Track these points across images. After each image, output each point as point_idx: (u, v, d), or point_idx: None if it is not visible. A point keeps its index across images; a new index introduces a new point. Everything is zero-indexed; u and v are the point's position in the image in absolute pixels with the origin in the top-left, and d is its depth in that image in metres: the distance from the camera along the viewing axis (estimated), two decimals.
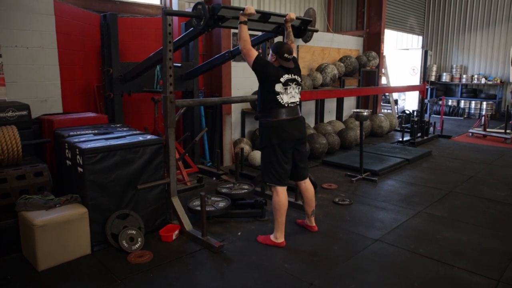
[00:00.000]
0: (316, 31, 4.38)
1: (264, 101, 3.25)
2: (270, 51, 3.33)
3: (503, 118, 9.69)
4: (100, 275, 2.84)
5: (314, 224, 3.60)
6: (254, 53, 3.23)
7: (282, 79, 3.21)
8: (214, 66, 4.75)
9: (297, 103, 3.36)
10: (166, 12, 3.35)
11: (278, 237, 3.30)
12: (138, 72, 4.49)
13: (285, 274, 2.86)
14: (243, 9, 3.26)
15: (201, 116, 5.71)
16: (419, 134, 7.93)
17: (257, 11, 3.40)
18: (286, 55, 3.24)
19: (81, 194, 3.21)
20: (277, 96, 3.20)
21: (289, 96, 3.25)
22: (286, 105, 3.23)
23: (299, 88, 3.37)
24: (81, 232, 3.07)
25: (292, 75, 3.29)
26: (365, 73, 8.71)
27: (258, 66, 3.22)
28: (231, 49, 4.59)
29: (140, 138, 3.50)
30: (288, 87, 3.25)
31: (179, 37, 4.01)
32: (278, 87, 3.20)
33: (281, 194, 3.28)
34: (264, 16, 3.58)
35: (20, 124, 3.63)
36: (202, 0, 3.45)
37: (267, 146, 3.28)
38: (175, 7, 5.86)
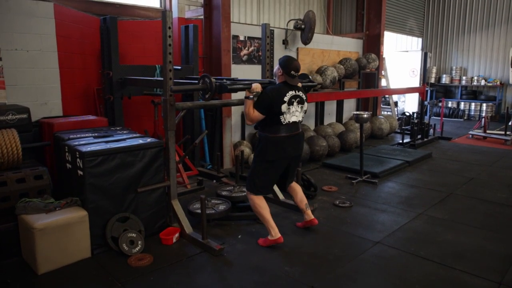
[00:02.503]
0: None
1: (266, 117, 3.24)
2: (278, 65, 3.32)
3: (503, 119, 9.70)
4: (100, 278, 2.83)
5: (313, 217, 3.60)
6: (257, 113, 3.20)
7: (286, 98, 3.20)
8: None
9: (298, 121, 3.35)
10: (173, 90, 3.38)
11: (274, 234, 3.30)
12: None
13: (285, 276, 2.85)
14: (250, 86, 3.28)
15: (201, 119, 5.71)
16: (419, 136, 7.93)
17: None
18: (293, 72, 3.25)
19: (81, 197, 3.21)
20: (280, 116, 3.20)
21: (291, 115, 3.25)
22: (287, 123, 3.24)
23: (301, 106, 3.33)
24: (81, 235, 3.07)
25: (296, 91, 3.29)
26: (365, 75, 8.71)
27: (266, 111, 3.19)
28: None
29: (140, 141, 3.50)
30: (291, 106, 3.23)
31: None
32: (284, 107, 3.19)
33: (255, 199, 3.35)
34: None
35: (20, 127, 3.64)
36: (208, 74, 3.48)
37: (261, 160, 3.32)
38: (174, 10, 5.87)
